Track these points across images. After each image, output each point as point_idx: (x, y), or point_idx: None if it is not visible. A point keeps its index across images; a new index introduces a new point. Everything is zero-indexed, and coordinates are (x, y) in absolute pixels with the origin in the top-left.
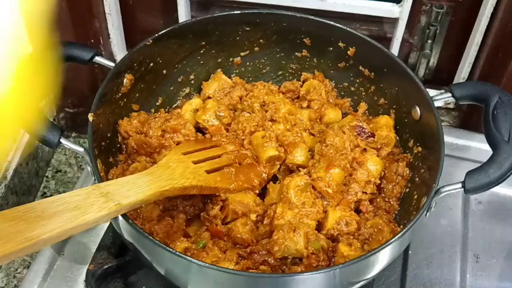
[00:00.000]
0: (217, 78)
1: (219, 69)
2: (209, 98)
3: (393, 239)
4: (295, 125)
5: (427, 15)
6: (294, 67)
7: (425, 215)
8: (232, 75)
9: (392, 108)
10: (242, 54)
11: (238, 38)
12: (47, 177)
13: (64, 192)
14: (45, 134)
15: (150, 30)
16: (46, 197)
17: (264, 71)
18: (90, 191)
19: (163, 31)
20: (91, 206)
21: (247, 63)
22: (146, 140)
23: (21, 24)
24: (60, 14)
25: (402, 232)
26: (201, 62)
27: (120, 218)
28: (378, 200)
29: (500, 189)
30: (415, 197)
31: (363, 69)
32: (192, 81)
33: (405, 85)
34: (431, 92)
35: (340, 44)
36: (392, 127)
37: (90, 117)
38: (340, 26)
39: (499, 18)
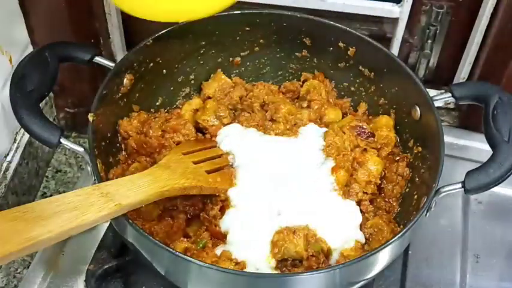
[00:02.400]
0: (217, 78)
1: (219, 69)
2: (209, 98)
3: (393, 239)
4: (295, 124)
5: (427, 15)
6: (294, 67)
7: (425, 215)
8: (232, 75)
9: (393, 108)
10: (242, 54)
11: (238, 38)
12: (47, 177)
13: (64, 192)
14: (45, 134)
15: (150, 30)
16: (46, 197)
17: (264, 71)
18: (90, 191)
19: (163, 31)
20: (91, 206)
21: (247, 63)
22: (146, 140)
23: None
24: (60, 14)
25: (402, 232)
26: (201, 62)
27: (120, 218)
28: (378, 200)
29: (500, 189)
30: (415, 197)
31: (363, 69)
32: (192, 81)
33: (405, 85)
34: (431, 92)
35: (340, 44)
36: (392, 127)
37: (90, 117)
38: (340, 26)
39: (499, 18)
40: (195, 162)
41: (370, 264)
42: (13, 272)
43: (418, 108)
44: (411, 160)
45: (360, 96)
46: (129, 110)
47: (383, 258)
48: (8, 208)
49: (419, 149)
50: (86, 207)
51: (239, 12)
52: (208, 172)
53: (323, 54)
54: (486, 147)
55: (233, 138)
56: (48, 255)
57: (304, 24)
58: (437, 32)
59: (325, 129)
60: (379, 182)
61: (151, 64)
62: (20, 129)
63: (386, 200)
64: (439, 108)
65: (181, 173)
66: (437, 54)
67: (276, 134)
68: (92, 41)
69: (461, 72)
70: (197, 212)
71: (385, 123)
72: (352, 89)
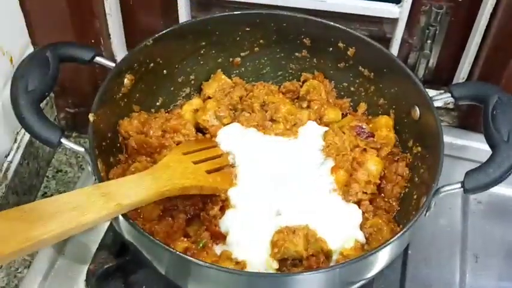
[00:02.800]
0: (218, 79)
1: (219, 70)
2: (209, 98)
3: (393, 239)
4: (295, 124)
5: (427, 15)
6: (294, 67)
7: (425, 215)
8: (232, 76)
9: (392, 108)
10: (242, 54)
11: (238, 38)
12: (47, 177)
13: (65, 192)
14: (46, 134)
15: (150, 31)
16: (47, 197)
17: (264, 71)
18: (90, 191)
19: (164, 31)
20: (91, 206)
21: (247, 64)
22: (146, 140)
23: None
24: (61, 14)
25: (402, 232)
26: (201, 62)
27: (121, 218)
28: (378, 200)
29: (499, 189)
30: (415, 197)
31: (363, 69)
32: (192, 82)
33: (405, 85)
34: (431, 92)
35: (340, 45)
36: (391, 127)
37: (91, 117)
38: (340, 26)
39: (498, 19)
40: (195, 162)
41: (370, 263)
42: (14, 272)
43: (417, 108)
44: (411, 160)
45: (359, 96)
46: (130, 110)
47: (383, 258)
48: (8, 208)
49: (419, 149)
50: (86, 207)
51: (239, 12)
52: (209, 172)
53: (323, 54)
54: (485, 147)
55: (233, 138)
56: (48, 255)
57: (304, 25)
58: (437, 32)
59: (325, 127)
60: (379, 182)
61: (152, 64)
62: (21, 129)
63: (386, 199)
64: (438, 108)
65: (182, 173)
66: (437, 55)
67: (276, 134)
68: (93, 41)
69: (461, 73)
70: (197, 212)
71: (384, 123)
72: (352, 89)
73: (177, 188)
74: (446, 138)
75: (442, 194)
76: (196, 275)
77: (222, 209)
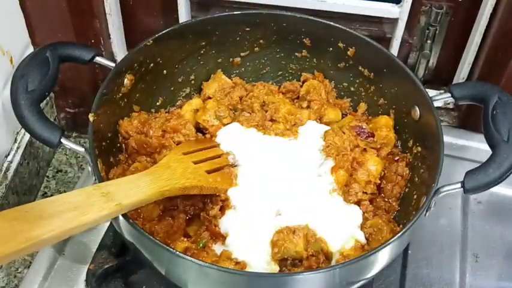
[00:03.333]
0: (218, 79)
1: (219, 70)
2: (209, 98)
3: (393, 239)
4: (294, 124)
5: (427, 15)
6: (294, 67)
7: (425, 214)
8: (232, 76)
9: (392, 108)
10: (242, 54)
11: (238, 38)
12: (47, 177)
13: (65, 192)
14: (46, 134)
15: (150, 31)
16: (47, 197)
17: (264, 71)
18: (90, 191)
19: (164, 31)
20: (92, 206)
21: (247, 64)
22: (146, 140)
23: None
24: (61, 14)
25: (402, 232)
26: (201, 62)
27: (121, 217)
28: (378, 199)
29: (499, 189)
30: (415, 196)
31: (363, 69)
32: (192, 82)
33: (405, 85)
34: (431, 92)
35: (340, 45)
36: (391, 127)
37: (91, 117)
38: (340, 26)
39: (498, 19)
40: (195, 162)
41: (370, 263)
42: (14, 272)
43: (417, 108)
44: (411, 160)
45: (359, 96)
46: (130, 110)
47: (382, 257)
48: (8, 208)
49: (419, 149)
50: (86, 207)
51: (239, 12)
52: (209, 172)
53: (323, 54)
54: (485, 147)
55: (233, 138)
56: (48, 255)
57: (304, 25)
58: (437, 32)
59: (325, 126)
60: (379, 182)
61: (152, 64)
62: (21, 129)
63: (386, 199)
64: (438, 108)
65: (182, 173)
66: (437, 55)
67: (276, 134)
68: (93, 41)
69: (461, 73)
70: (197, 212)
71: (384, 123)
72: (352, 89)
73: (177, 188)
74: (446, 138)
75: (442, 194)
76: (196, 275)
77: (222, 209)
